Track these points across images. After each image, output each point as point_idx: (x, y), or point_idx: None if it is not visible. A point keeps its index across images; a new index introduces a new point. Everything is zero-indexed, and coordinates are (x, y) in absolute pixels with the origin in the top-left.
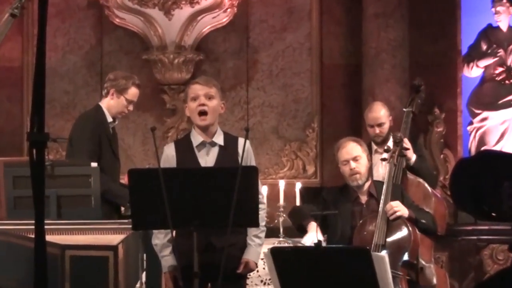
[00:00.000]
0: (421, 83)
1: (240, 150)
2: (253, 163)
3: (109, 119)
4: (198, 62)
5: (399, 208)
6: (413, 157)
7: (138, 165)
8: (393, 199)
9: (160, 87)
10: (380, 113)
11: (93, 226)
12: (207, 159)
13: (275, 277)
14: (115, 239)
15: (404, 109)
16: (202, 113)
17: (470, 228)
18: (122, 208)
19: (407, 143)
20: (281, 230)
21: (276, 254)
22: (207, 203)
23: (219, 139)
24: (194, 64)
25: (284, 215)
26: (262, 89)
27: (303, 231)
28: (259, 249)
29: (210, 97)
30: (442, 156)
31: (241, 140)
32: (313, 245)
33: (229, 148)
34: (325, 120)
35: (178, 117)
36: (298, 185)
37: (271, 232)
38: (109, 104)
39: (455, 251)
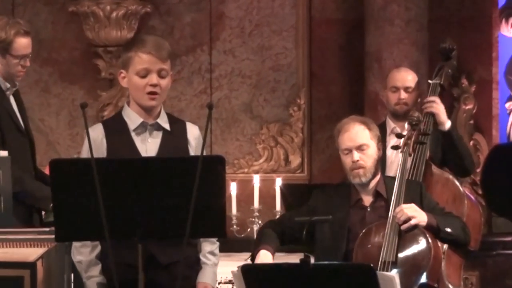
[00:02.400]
0: (453, 46)
1: (190, 137)
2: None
3: (5, 86)
4: (144, 16)
5: (414, 214)
6: (447, 122)
7: (63, 155)
8: (407, 200)
9: (92, 49)
10: (409, 76)
11: (3, 236)
12: (148, 146)
13: None
14: (32, 253)
15: (430, 81)
16: (152, 93)
17: (508, 239)
18: (43, 212)
19: (437, 103)
20: None
21: (249, 273)
22: (156, 205)
23: (164, 121)
24: (139, 18)
25: (260, 222)
26: (231, 53)
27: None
28: (215, 269)
29: (163, 76)
30: (471, 142)
31: (190, 126)
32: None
33: (176, 134)
34: (315, 95)
35: (117, 90)
36: (279, 182)
37: (243, 245)
38: None
39: (488, 270)
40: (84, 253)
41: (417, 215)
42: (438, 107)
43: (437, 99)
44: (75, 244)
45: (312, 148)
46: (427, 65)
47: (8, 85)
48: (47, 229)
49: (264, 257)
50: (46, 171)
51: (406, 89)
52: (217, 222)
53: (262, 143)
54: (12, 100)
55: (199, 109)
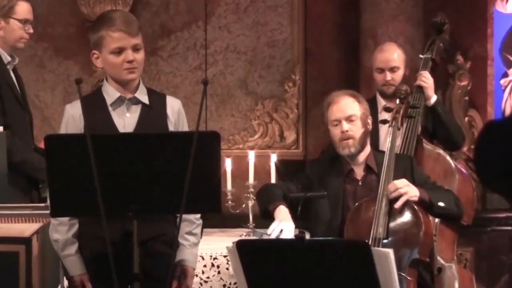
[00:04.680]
0: (444, 20)
1: (169, 111)
2: (186, 129)
3: (6, 59)
4: None
5: (406, 189)
6: (432, 97)
7: (58, 130)
8: (398, 175)
9: (87, 25)
10: (394, 54)
11: None
12: (126, 120)
13: (242, 278)
14: (27, 228)
15: (421, 56)
16: (130, 68)
17: (502, 215)
18: (40, 186)
19: (426, 77)
20: (251, 218)
21: (243, 249)
22: (151, 181)
23: (143, 95)
24: None
25: (254, 198)
26: (226, 29)
27: (269, 218)
28: (195, 249)
29: (138, 50)
30: (466, 118)
31: (170, 100)
32: (284, 237)
33: (155, 108)
34: (310, 71)
35: None
36: (274, 157)
37: (238, 221)
38: (0, 37)
39: (483, 246)
40: (61, 231)
41: (409, 190)
42: (427, 81)
43: (426, 73)
44: (53, 222)
45: (307, 124)
46: (422, 41)
47: (9, 59)
48: (42, 204)
49: (285, 213)
50: (41, 146)
51: (391, 69)
52: (213, 197)
53: (257, 119)
54: (11, 74)
55: (194, 85)
